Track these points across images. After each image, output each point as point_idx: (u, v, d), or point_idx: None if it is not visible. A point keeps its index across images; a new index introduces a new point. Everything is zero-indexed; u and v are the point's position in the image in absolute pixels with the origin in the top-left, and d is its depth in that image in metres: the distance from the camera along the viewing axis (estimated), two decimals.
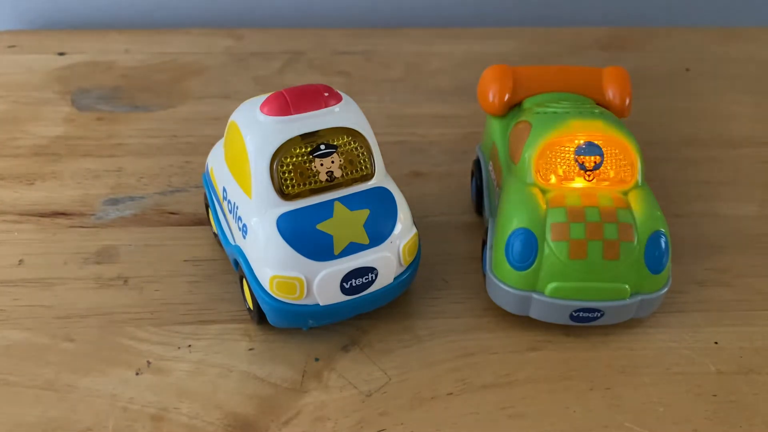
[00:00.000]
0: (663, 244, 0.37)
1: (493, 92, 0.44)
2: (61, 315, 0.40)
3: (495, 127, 0.44)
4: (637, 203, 0.37)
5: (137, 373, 0.37)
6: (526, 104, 0.43)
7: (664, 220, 0.37)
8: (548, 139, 0.38)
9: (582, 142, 0.38)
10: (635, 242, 0.36)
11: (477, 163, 0.47)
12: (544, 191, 0.38)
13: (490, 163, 0.44)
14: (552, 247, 0.36)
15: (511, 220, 0.38)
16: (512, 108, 0.44)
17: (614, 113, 0.43)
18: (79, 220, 0.46)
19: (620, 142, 0.38)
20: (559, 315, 0.38)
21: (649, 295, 0.37)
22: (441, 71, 0.63)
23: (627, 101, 0.43)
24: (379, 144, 0.38)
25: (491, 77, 0.44)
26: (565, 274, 0.36)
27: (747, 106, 0.59)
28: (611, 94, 0.43)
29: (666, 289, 0.38)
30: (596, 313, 0.38)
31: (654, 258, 0.37)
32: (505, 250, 0.37)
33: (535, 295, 0.37)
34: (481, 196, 0.46)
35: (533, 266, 0.37)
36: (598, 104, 0.42)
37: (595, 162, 0.38)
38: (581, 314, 0.38)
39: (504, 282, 0.38)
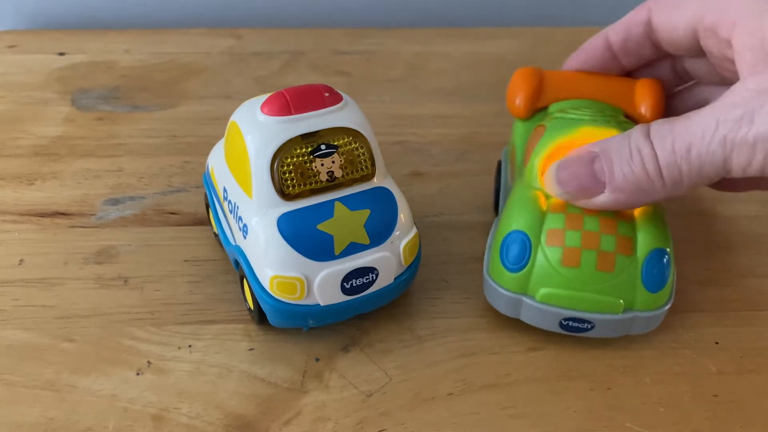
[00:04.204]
0: (664, 262, 0.36)
1: (517, 95, 0.43)
2: (61, 315, 0.40)
3: (518, 129, 0.43)
4: (643, 217, 0.36)
5: (137, 374, 0.37)
6: (551, 109, 0.42)
7: (669, 237, 0.36)
8: (556, 144, 0.37)
9: None
10: (632, 257, 0.35)
11: (499, 165, 0.47)
12: (548, 196, 0.37)
13: (510, 165, 0.44)
14: (545, 253, 0.36)
15: (510, 222, 0.37)
16: (538, 112, 0.43)
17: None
18: (79, 220, 0.46)
19: None
20: (549, 321, 0.37)
21: (645, 313, 0.36)
22: (441, 71, 0.63)
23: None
24: (380, 144, 0.38)
25: (518, 79, 0.43)
26: (556, 280, 0.36)
27: None
28: (643, 109, 0.41)
29: (667, 307, 0.37)
30: (586, 324, 0.37)
31: (652, 276, 0.36)
32: (500, 251, 0.37)
33: (526, 299, 0.37)
34: (498, 197, 0.45)
35: (525, 269, 0.36)
36: (626, 116, 0.41)
37: None
38: (571, 323, 0.37)
39: (497, 283, 0.38)
